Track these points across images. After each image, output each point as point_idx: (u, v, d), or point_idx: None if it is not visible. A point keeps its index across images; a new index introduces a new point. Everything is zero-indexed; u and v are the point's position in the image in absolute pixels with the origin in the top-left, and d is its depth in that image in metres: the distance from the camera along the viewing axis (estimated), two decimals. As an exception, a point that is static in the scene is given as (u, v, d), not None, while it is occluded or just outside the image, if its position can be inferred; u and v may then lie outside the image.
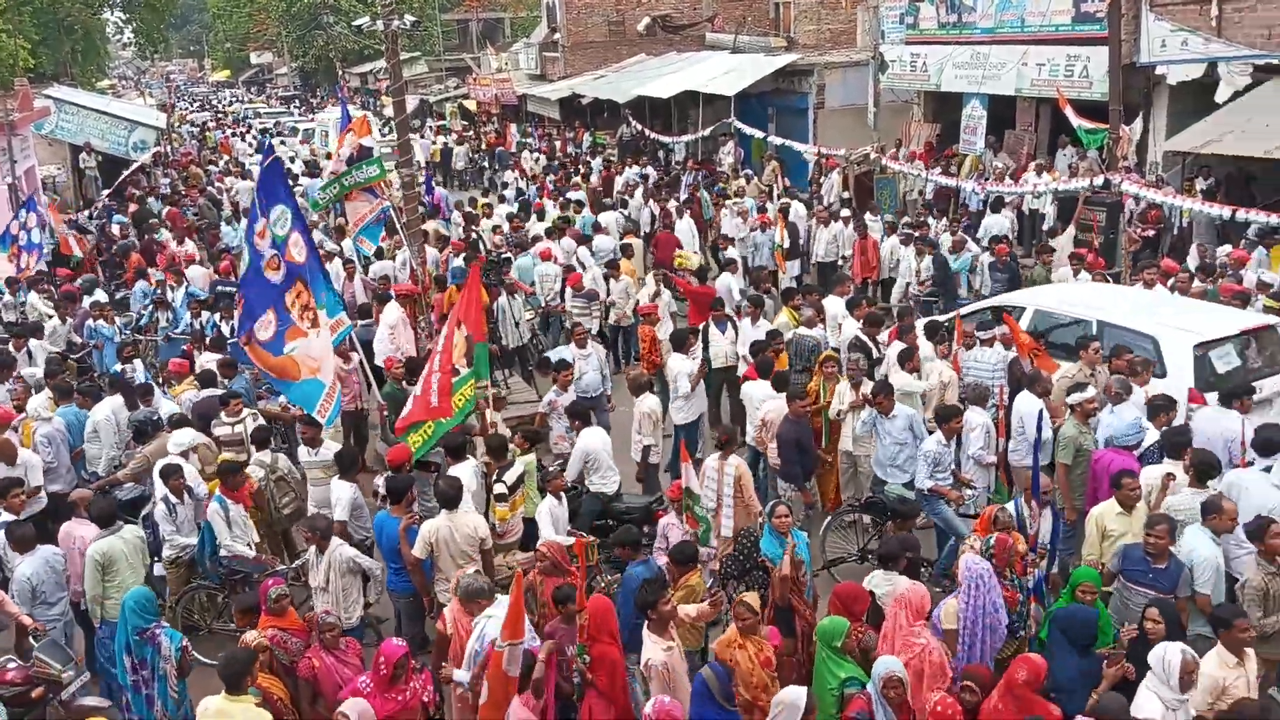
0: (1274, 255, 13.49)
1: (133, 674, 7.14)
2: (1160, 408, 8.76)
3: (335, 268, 16.05)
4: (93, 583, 7.92)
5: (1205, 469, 7.60)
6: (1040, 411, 8.46)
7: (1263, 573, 6.72)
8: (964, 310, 12.36)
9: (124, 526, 8.28)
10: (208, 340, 13.14)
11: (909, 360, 10.55)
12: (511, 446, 9.24)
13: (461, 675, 6.64)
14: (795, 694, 5.75)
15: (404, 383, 11.15)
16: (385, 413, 11.44)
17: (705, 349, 12.13)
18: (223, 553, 8.58)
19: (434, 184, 25.18)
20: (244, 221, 21.10)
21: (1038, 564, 7.28)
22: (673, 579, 7.26)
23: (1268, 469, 7.84)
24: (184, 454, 9.40)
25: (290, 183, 10.89)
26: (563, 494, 8.72)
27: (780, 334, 11.65)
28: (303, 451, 9.80)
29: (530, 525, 8.94)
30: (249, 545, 8.74)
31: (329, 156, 34.37)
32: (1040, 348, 10.39)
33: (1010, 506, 7.43)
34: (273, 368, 10.18)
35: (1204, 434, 8.46)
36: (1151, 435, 8.73)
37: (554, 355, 11.99)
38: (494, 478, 8.86)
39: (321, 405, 9.90)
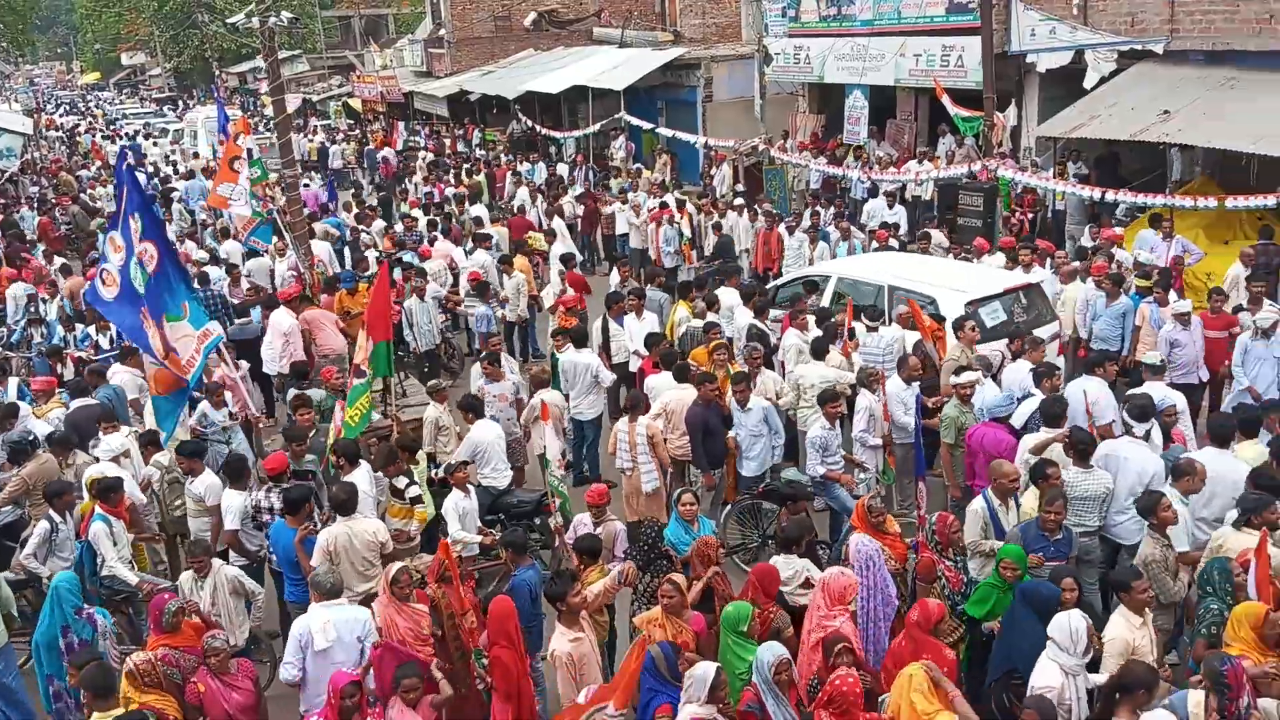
0: (1126, 235, 14.08)
1: (68, 654, 7.09)
2: (1043, 374, 9.08)
3: (219, 272, 15.59)
4: None
5: (1084, 449, 7.79)
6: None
7: (1158, 545, 6.90)
8: (779, 282, 13.56)
9: None
10: (78, 355, 12.71)
11: (825, 353, 10.59)
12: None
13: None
14: (704, 669, 5.81)
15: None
16: (260, 425, 11.16)
17: (606, 344, 12.18)
18: (104, 573, 8.21)
19: (308, 183, 24.57)
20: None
21: None
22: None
23: (1147, 434, 8.09)
24: (115, 459, 9.16)
25: (159, 186, 10.56)
26: (469, 487, 8.66)
27: (718, 325, 11.66)
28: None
29: (431, 526, 8.89)
30: (131, 564, 8.43)
31: (196, 156, 34.19)
32: (940, 330, 10.63)
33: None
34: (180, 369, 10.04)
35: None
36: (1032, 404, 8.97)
37: None
38: (407, 480, 8.79)
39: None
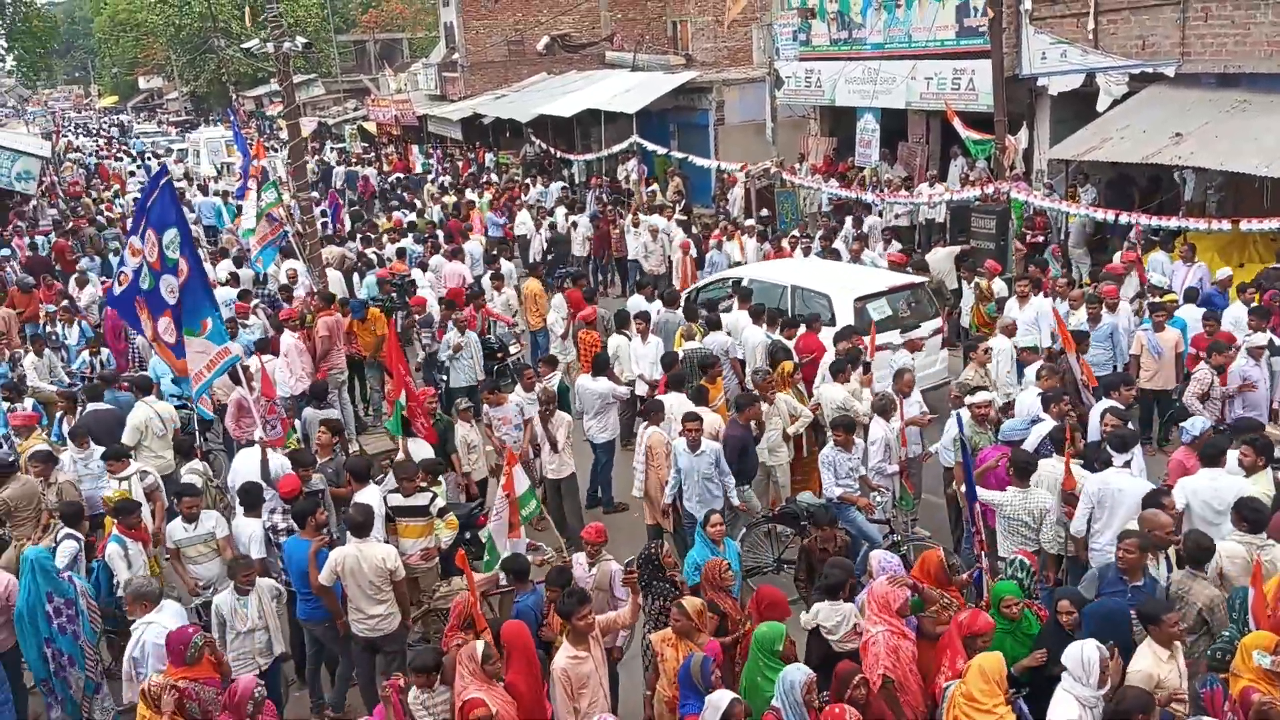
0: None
1: (56, 618, 7.72)
2: (1052, 399, 9.05)
3: (231, 293, 15.72)
4: None
5: (1024, 468, 7.95)
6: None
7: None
8: (697, 285, 14.89)
9: None
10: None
11: (841, 373, 10.61)
12: None
13: None
14: (719, 697, 5.80)
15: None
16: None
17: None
18: (120, 593, 8.22)
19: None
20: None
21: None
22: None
23: (1127, 464, 7.99)
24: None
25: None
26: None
27: (715, 354, 11.71)
28: (176, 528, 8.72)
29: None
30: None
31: (216, 178, 35.03)
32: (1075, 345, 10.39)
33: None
34: (176, 368, 10.17)
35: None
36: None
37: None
38: (431, 495, 8.81)
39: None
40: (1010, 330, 11.38)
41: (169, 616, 7.19)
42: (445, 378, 13.49)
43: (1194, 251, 13.34)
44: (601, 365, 11.64)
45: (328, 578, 7.76)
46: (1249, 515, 7.01)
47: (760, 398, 10.08)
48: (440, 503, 8.91)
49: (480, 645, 6.44)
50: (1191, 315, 11.61)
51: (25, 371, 13.48)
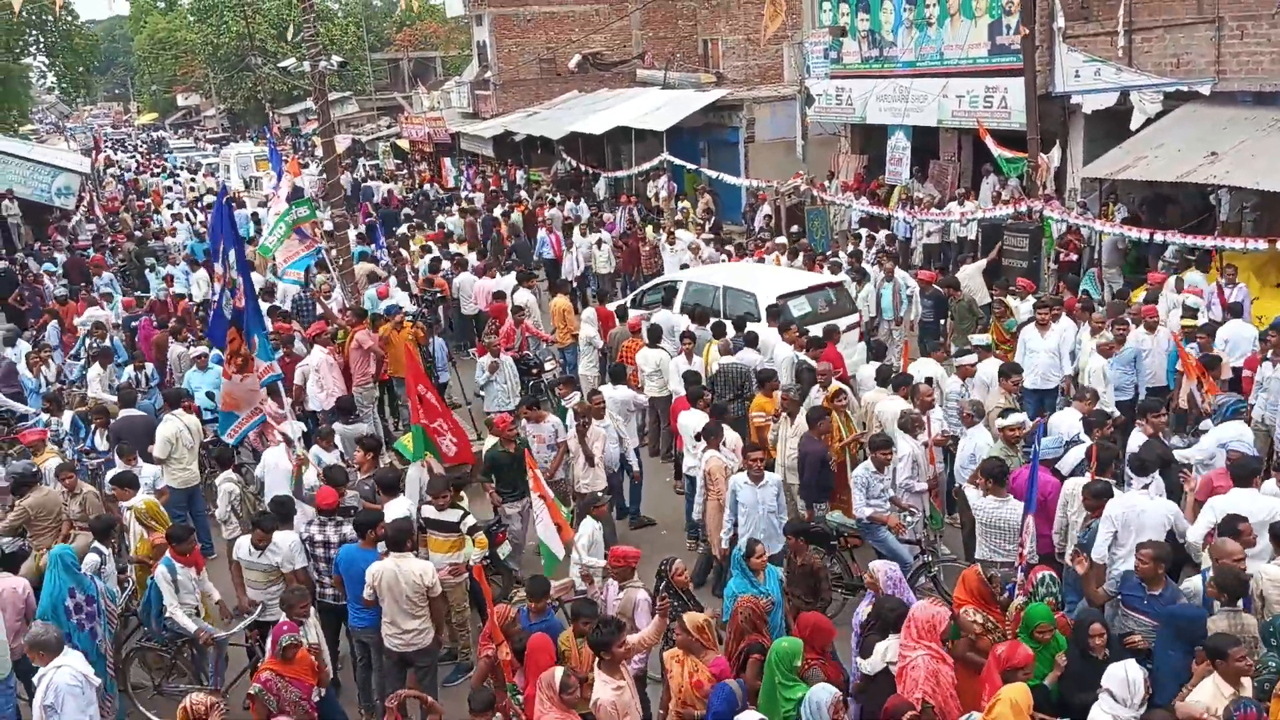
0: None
1: (76, 614, 7.89)
2: (1094, 423, 9.01)
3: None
4: None
5: (998, 475, 8.18)
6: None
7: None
8: (644, 288, 15.87)
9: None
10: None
11: (902, 387, 10.46)
12: None
13: None
14: (747, 718, 5.77)
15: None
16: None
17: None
18: (167, 615, 8.31)
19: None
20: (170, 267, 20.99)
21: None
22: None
23: (1145, 487, 7.92)
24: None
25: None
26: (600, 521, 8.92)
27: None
28: (243, 547, 8.71)
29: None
30: (195, 611, 8.45)
31: (247, 187, 35.71)
32: (1205, 372, 10.27)
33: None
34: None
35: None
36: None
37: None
38: (462, 512, 8.87)
39: (232, 430, 10.36)
40: (1106, 351, 11.04)
41: (77, 660, 7.01)
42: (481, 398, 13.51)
43: (1236, 273, 13.13)
44: (620, 374, 11.69)
45: (367, 592, 7.85)
46: None
47: (828, 412, 10.02)
48: (470, 520, 8.96)
49: (559, 673, 6.36)
50: (1245, 334, 11.44)
51: (90, 381, 13.70)
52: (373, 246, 20.63)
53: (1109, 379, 10.89)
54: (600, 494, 9.60)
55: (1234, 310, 12.21)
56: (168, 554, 8.39)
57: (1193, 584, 7.11)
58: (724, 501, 9.35)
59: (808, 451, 9.65)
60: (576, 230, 21.65)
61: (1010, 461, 8.97)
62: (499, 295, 16.15)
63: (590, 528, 8.69)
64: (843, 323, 13.57)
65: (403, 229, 24.29)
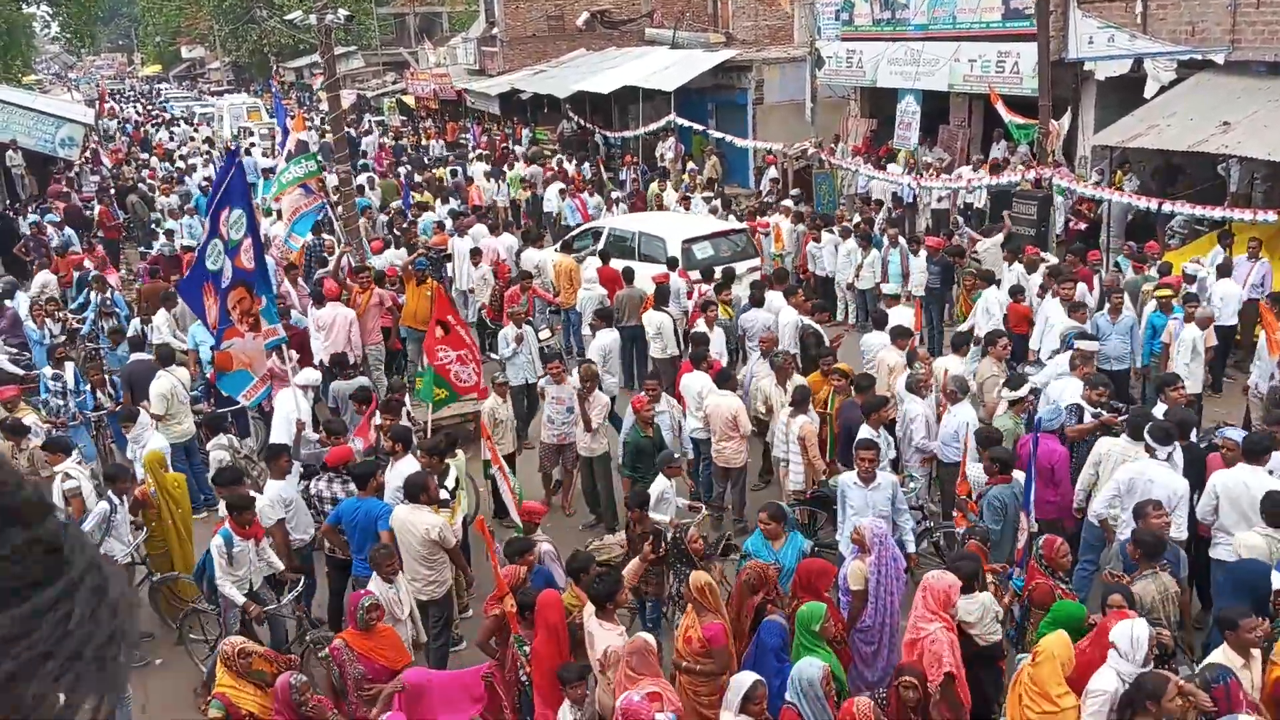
0: (1186, 251, 13.82)
1: None
2: (1088, 385, 9.19)
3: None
4: None
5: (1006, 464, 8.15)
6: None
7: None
8: (573, 233, 17.09)
9: None
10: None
11: (963, 346, 10.55)
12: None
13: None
14: (741, 679, 5.84)
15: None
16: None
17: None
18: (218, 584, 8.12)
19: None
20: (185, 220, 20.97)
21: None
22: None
23: (1169, 457, 7.96)
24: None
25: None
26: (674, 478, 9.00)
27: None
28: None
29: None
30: (247, 584, 8.17)
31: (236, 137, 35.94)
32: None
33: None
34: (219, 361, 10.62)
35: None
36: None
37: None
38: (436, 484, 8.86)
39: (247, 392, 10.48)
40: (1204, 322, 10.99)
41: None
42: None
43: (1260, 246, 12.96)
44: (607, 316, 12.39)
45: (387, 537, 7.98)
46: (1270, 508, 7.09)
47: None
48: (452, 480, 8.94)
49: (641, 640, 6.37)
50: (1233, 293, 11.56)
51: (158, 325, 13.79)
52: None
53: (1195, 350, 10.81)
54: (676, 455, 9.44)
55: (1223, 270, 12.24)
56: (226, 525, 8.10)
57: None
58: (820, 469, 9.45)
59: (847, 417, 9.64)
60: (554, 188, 21.75)
61: (1018, 429, 9.05)
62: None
63: (662, 485, 8.76)
64: (742, 266, 14.82)
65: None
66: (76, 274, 16.81)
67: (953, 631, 6.39)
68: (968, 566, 6.79)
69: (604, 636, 6.65)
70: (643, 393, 10.09)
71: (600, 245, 15.96)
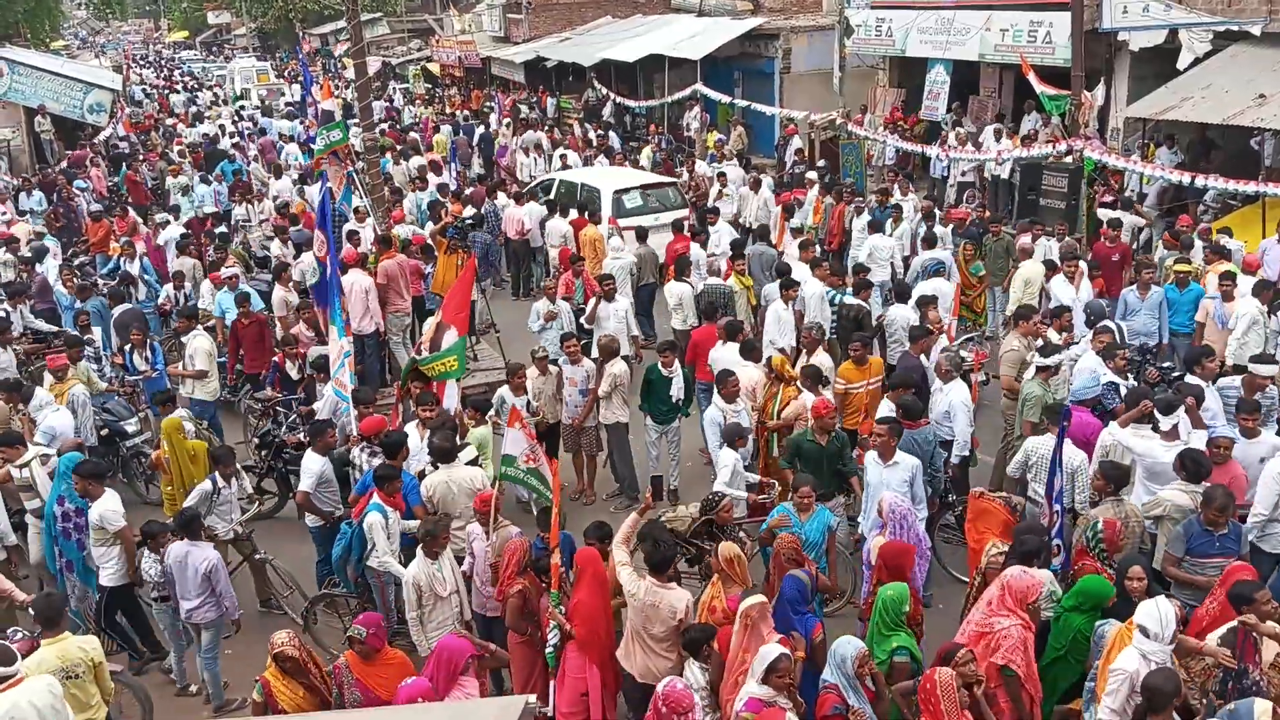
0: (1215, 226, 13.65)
1: (63, 522, 8.45)
2: (1106, 355, 9.33)
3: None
4: None
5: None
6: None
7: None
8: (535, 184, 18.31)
9: None
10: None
11: (1024, 320, 10.30)
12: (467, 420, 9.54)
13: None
14: (767, 650, 5.84)
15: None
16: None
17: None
18: (372, 562, 7.93)
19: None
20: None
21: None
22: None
23: (1174, 428, 8.00)
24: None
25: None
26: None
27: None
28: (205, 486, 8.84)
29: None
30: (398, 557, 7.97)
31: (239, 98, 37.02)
32: None
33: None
34: None
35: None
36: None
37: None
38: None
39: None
40: (1265, 295, 10.69)
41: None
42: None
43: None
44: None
45: (422, 513, 8.04)
46: (1189, 466, 7.39)
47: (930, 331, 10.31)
48: (470, 453, 8.87)
49: (757, 600, 6.25)
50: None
51: (205, 293, 14.18)
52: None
53: (1135, 328, 11.00)
54: (742, 427, 9.23)
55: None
56: (377, 498, 7.90)
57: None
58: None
59: (905, 368, 9.80)
60: (572, 156, 21.77)
61: (1048, 396, 9.05)
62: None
63: (731, 459, 8.71)
64: (668, 217, 16.14)
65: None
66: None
67: (1030, 631, 6.25)
68: (1033, 541, 6.74)
69: (672, 595, 6.60)
70: (827, 395, 9.50)
71: (551, 195, 17.54)
